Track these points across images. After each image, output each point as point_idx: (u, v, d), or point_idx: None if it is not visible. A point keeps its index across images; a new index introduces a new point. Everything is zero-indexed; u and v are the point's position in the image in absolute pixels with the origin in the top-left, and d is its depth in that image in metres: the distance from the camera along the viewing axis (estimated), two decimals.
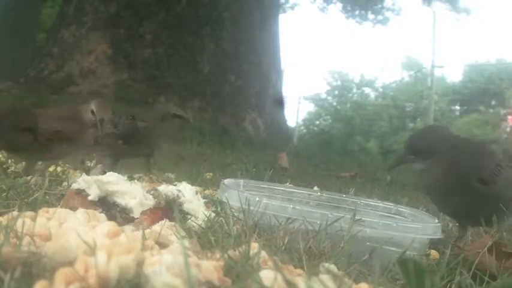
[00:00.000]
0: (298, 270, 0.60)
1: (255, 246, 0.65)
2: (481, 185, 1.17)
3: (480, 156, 1.25)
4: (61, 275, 0.46)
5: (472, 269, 0.81)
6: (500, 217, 1.15)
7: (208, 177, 2.11)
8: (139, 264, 0.51)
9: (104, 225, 0.63)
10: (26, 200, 0.96)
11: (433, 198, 1.29)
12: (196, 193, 1.05)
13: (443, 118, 22.75)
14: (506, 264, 0.86)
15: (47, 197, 1.06)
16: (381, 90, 29.89)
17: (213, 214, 0.96)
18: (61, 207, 0.86)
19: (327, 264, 0.60)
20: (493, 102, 23.05)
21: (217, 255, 0.61)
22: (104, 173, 1.04)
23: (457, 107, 25.42)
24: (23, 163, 1.58)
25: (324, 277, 0.54)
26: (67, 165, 1.80)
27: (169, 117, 1.84)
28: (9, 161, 1.68)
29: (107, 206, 0.91)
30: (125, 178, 0.99)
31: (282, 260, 0.63)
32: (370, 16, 15.24)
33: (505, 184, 1.20)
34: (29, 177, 1.26)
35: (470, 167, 1.19)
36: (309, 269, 0.63)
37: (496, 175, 1.19)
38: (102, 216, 0.79)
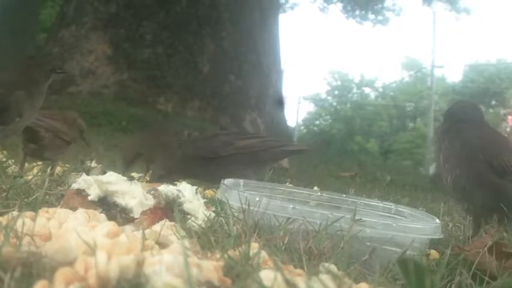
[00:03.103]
0: (298, 270, 0.60)
1: (255, 246, 0.65)
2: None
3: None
4: (61, 275, 0.46)
5: (472, 269, 0.81)
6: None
7: None
8: (139, 264, 0.51)
9: (104, 225, 0.63)
10: (26, 200, 0.96)
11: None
12: (196, 193, 1.05)
13: None
14: (506, 264, 0.86)
15: (47, 197, 1.06)
16: (380, 90, 29.91)
17: (213, 214, 0.96)
18: (61, 207, 0.86)
19: (327, 264, 0.60)
20: (493, 102, 22.99)
21: (217, 255, 0.61)
22: (104, 173, 1.04)
23: None
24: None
25: (324, 277, 0.54)
26: (67, 165, 1.80)
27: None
28: (10, 161, 1.67)
29: (107, 206, 0.91)
30: (125, 178, 0.99)
31: (282, 260, 0.63)
32: (371, 16, 15.27)
33: None
34: (29, 177, 1.26)
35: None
36: (309, 269, 0.63)
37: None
38: (102, 216, 0.79)
